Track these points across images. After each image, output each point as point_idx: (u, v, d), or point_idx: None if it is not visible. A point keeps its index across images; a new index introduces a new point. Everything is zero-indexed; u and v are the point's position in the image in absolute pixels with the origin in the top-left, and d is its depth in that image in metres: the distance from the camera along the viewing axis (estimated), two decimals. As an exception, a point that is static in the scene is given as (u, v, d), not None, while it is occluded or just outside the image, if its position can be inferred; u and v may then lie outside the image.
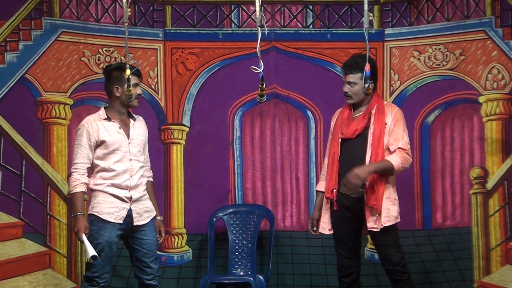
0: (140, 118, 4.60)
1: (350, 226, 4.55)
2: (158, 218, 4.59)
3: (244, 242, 5.59)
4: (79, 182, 4.33)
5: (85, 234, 4.26)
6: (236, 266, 5.55)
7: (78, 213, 4.29)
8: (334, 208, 4.56)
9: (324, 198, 4.62)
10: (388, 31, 5.81)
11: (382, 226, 4.43)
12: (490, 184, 5.56)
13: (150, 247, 4.44)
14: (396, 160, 4.42)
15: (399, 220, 4.50)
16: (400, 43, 5.80)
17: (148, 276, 4.45)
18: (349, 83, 4.54)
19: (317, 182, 5.68)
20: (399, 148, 4.44)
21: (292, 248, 5.73)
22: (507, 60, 5.54)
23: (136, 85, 4.41)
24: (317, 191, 4.80)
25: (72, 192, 4.34)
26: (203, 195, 5.75)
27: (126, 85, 4.13)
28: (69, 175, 4.43)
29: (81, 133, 4.38)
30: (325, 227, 4.64)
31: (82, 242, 4.30)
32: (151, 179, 4.62)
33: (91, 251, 4.19)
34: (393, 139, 4.47)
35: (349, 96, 4.56)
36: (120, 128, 4.42)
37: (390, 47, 5.80)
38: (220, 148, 5.81)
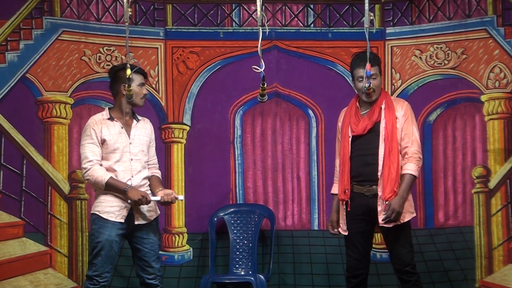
0: (146, 120, 4.61)
1: (362, 227, 4.50)
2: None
3: (245, 242, 5.57)
4: (102, 171, 4.32)
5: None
6: (237, 265, 5.54)
7: (127, 187, 4.30)
8: (348, 209, 4.50)
9: (339, 199, 4.58)
10: (389, 30, 5.80)
11: (399, 223, 4.38)
12: (492, 183, 5.55)
13: (152, 247, 4.44)
14: (414, 168, 4.42)
15: (414, 214, 4.48)
16: (402, 42, 5.79)
17: (149, 276, 4.45)
18: (372, 76, 4.23)
19: (318, 181, 5.71)
20: (411, 151, 4.41)
21: (293, 248, 5.71)
22: (509, 59, 5.54)
23: (142, 84, 4.45)
24: (332, 194, 4.74)
25: (105, 181, 4.29)
26: (204, 194, 5.74)
27: (127, 85, 4.17)
28: (84, 170, 4.36)
29: (89, 133, 4.39)
30: (342, 227, 4.59)
31: (156, 201, 4.43)
32: (157, 174, 4.58)
33: (180, 197, 4.46)
34: (404, 134, 4.44)
35: (374, 90, 4.39)
36: (122, 128, 4.43)
37: (391, 46, 5.79)
38: (221, 147, 5.80)
